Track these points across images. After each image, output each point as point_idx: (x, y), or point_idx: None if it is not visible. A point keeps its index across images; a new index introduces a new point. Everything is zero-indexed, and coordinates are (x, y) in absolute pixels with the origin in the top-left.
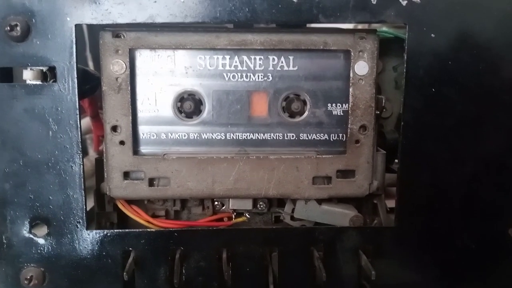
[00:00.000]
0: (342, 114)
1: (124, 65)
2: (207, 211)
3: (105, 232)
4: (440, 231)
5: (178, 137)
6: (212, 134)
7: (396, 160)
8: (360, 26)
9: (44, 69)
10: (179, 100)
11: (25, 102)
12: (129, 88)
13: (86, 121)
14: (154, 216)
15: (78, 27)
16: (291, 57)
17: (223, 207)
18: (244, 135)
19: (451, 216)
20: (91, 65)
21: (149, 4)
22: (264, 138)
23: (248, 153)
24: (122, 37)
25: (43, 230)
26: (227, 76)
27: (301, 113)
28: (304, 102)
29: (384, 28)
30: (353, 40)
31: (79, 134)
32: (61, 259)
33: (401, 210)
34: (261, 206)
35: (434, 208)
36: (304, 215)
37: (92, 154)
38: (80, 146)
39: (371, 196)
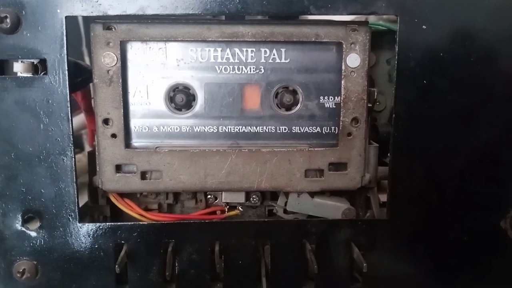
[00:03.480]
0: (334, 106)
1: (115, 58)
2: (200, 204)
3: (97, 225)
4: (432, 223)
5: (170, 130)
6: (204, 127)
7: None
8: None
9: (35, 61)
10: (171, 92)
11: (16, 95)
12: (121, 80)
13: (82, 116)
14: (147, 209)
15: (69, 19)
16: (283, 50)
17: (216, 201)
18: (237, 128)
19: (444, 209)
20: (87, 60)
21: None
22: (256, 131)
23: (241, 146)
24: (113, 29)
25: (36, 223)
26: (219, 69)
27: (293, 105)
28: (296, 95)
29: (381, 22)
30: (345, 32)
31: (71, 127)
32: (53, 252)
33: (393, 203)
34: (254, 199)
35: (426, 200)
36: (297, 208)
37: (89, 149)
38: (72, 139)
39: (364, 189)
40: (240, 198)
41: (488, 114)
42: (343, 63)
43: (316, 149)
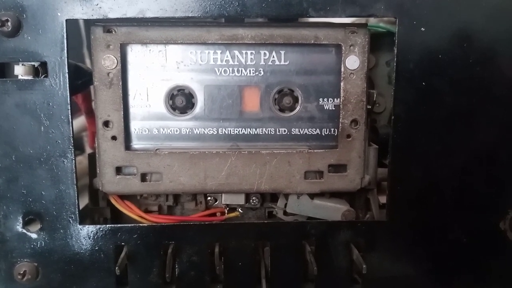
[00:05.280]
0: (333, 108)
1: (116, 60)
2: (200, 206)
3: (97, 227)
4: (431, 224)
5: (170, 132)
6: (204, 129)
7: None
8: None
9: (36, 64)
10: (171, 95)
11: (16, 97)
12: (121, 83)
13: (83, 118)
14: (147, 211)
15: (69, 22)
16: (282, 52)
17: (216, 202)
18: (236, 130)
19: (443, 210)
20: (88, 62)
21: None
22: (256, 132)
23: (240, 148)
24: (113, 32)
25: (36, 225)
26: (218, 71)
27: (292, 107)
28: (296, 97)
29: (380, 24)
30: (344, 35)
31: (71, 129)
32: (54, 254)
33: (392, 204)
34: (254, 201)
35: (425, 201)
36: (297, 210)
37: (89, 151)
38: (72, 142)
39: (364, 191)
40: (240, 200)
41: (487, 115)
42: (342, 65)
43: (315, 150)
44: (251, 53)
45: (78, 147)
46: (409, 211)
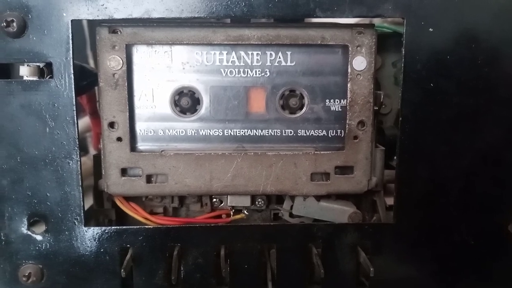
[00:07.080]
0: (340, 109)
1: (121, 61)
2: (206, 208)
3: (103, 229)
4: (439, 226)
5: (176, 134)
6: (210, 130)
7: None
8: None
9: (41, 65)
10: (177, 96)
11: (22, 98)
12: (126, 84)
13: (87, 119)
14: (152, 213)
15: (75, 22)
16: (288, 53)
17: (222, 204)
18: (242, 131)
19: (450, 212)
20: (92, 63)
21: None
22: (262, 134)
23: (246, 149)
24: (118, 32)
25: (41, 227)
26: (224, 72)
27: (299, 109)
28: (302, 98)
29: (387, 25)
30: (351, 35)
31: (76, 130)
32: (59, 256)
33: (399, 206)
34: (260, 203)
35: (432, 203)
36: (303, 212)
37: (93, 152)
38: (77, 143)
39: (371, 193)
40: (245, 201)
41: (494, 116)
42: (349, 66)
43: (322, 152)
44: (257, 53)
45: (82, 148)
46: (416, 213)
